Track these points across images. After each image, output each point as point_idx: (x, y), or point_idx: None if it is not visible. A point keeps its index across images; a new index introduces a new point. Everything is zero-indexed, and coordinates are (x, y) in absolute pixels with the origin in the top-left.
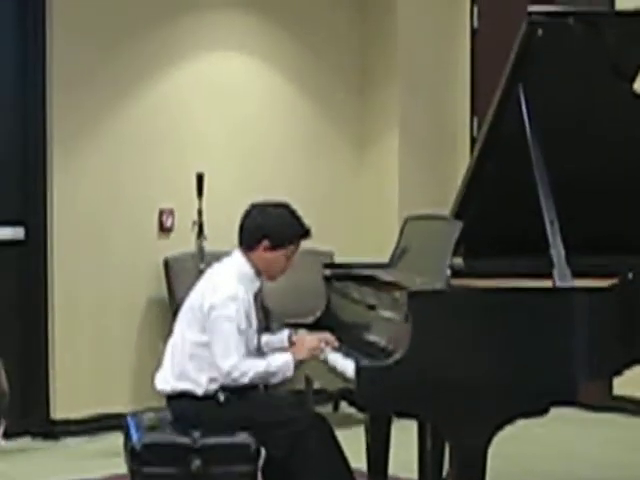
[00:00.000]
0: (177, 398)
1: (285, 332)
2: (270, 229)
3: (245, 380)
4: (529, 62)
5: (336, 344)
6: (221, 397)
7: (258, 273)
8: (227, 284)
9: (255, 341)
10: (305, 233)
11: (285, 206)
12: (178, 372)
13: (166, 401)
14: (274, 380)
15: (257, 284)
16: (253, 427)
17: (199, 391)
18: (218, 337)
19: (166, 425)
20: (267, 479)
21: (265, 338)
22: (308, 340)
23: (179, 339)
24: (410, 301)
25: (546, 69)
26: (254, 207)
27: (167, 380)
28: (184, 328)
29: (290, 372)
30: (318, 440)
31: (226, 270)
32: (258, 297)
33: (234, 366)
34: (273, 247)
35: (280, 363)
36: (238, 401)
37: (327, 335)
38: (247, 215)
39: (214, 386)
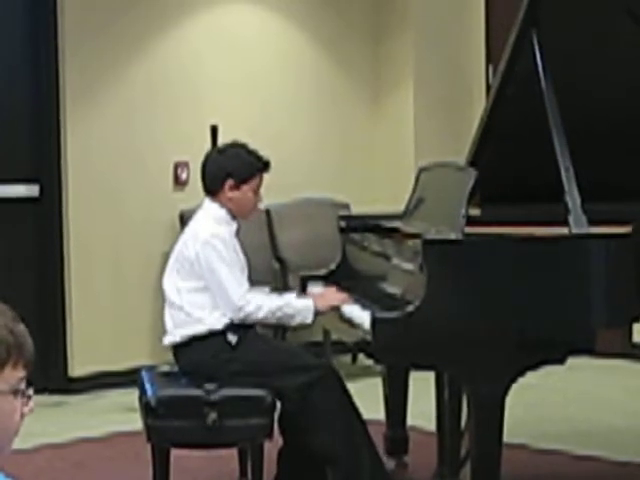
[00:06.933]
0: (186, 346)
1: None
2: (230, 167)
3: (260, 315)
4: (543, 6)
5: (351, 301)
6: (233, 340)
7: (232, 216)
8: (206, 227)
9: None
10: (265, 165)
11: (240, 145)
12: (180, 321)
13: (173, 355)
14: (291, 322)
15: (234, 226)
16: (265, 374)
17: (202, 329)
18: (218, 276)
19: (181, 379)
20: (282, 431)
21: None
22: (332, 292)
23: (174, 293)
24: (425, 250)
25: (560, 13)
26: (210, 153)
27: (173, 333)
28: (176, 281)
29: (309, 318)
30: (329, 391)
31: (202, 218)
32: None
33: (244, 297)
34: (237, 185)
35: (300, 306)
36: (252, 344)
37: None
38: (205, 162)
39: (218, 325)
